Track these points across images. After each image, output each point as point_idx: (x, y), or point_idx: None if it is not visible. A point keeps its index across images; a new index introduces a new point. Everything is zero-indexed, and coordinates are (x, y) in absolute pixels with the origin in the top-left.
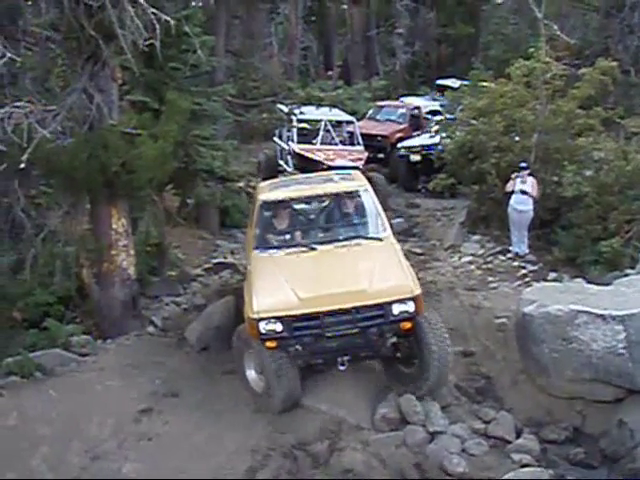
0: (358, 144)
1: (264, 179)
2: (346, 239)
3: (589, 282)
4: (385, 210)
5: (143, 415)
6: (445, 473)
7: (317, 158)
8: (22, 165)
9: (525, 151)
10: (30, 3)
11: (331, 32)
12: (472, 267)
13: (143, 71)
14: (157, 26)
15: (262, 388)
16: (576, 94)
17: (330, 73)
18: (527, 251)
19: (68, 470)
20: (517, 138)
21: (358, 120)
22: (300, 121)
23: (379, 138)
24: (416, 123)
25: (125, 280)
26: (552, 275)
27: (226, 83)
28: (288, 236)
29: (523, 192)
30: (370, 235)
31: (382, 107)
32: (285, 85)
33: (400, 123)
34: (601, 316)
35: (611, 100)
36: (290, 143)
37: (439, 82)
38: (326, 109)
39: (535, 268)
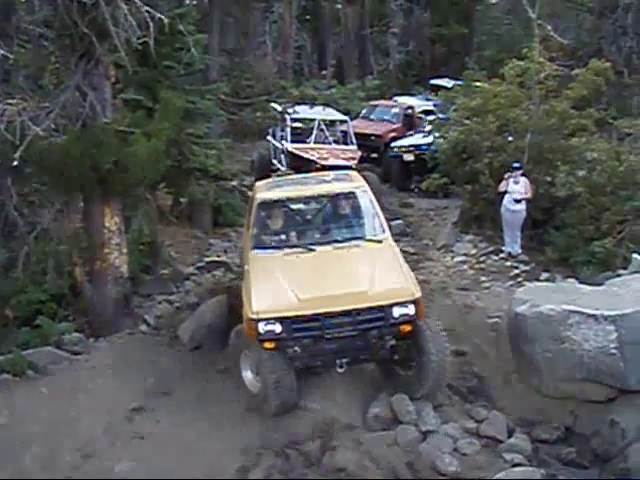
0: (352, 143)
1: (257, 178)
2: (345, 240)
3: (581, 282)
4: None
5: (135, 414)
6: (437, 472)
7: (310, 157)
8: (15, 163)
9: (518, 151)
10: (23, 0)
11: (325, 31)
12: (465, 267)
13: (137, 69)
14: (151, 24)
15: (258, 389)
16: (569, 94)
17: (324, 72)
18: (520, 251)
19: (60, 469)
20: (510, 138)
21: (352, 119)
22: (294, 120)
23: (372, 137)
24: (409, 123)
25: (118, 278)
26: (545, 275)
27: (220, 82)
28: (286, 236)
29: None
30: (369, 237)
31: (376, 106)
32: (279, 84)
33: (393, 123)
34: (593, 316)
35: (604, 101)
36: (284, 142)
37: (433, 82)
38: (320, 108)
39: (528, 268)
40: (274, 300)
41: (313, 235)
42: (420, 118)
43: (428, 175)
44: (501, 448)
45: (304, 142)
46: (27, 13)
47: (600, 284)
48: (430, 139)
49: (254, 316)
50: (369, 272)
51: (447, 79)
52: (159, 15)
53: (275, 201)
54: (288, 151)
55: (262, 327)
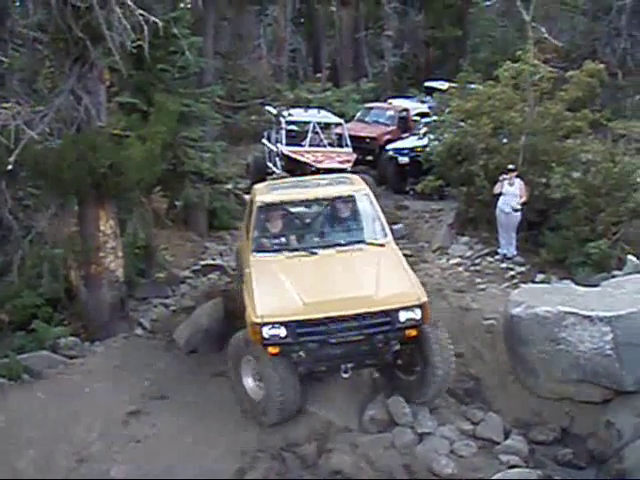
0: (346, 146)
1: (253, 181)
2: (347, 244)
3: (577, 283)
4: None
5: (131, 417)
6: (433, 474)
7: (305, 160)
8: (9, 167)
9: (513, 153)
10: (17, 4)
11: (320, 34)
12: (460, 269)
13: (131, 73)
14: (145, 27)
15: (260, 396)
16: (564, 96)
17: (319, 75)
18: (515, 253)
19: (56, 472)
20: (505, 140)
21: (347, 122)
22: (289, 123)
23: (367, 140)
24: (404, 125)
25: (113, 282)
26: (540, 276)
27: (214, 85)
28: (287, 239)
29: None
30: (372, 240)
31: (371, 109)
32: (274, 87)
33: (388, 125)
34: (589, 317)
35: (598, 102)
36: (279, 145)
37: (427, 84)
38: (314, 111)
39: (523, 270)
40: (278, 304)
41: (314, 238)
42: (415, 120)
43: (423, 177)
44: (497, 450)
45: (299, 145)
46: (21, 17)
47: (595, 285)
48: (425, 141)
49: (258, 320)
50: (374, 276)
51: (442, 81)
52: (153, 18)
53: (275, 204)
54: (283, 154)
55: (266, 331)
